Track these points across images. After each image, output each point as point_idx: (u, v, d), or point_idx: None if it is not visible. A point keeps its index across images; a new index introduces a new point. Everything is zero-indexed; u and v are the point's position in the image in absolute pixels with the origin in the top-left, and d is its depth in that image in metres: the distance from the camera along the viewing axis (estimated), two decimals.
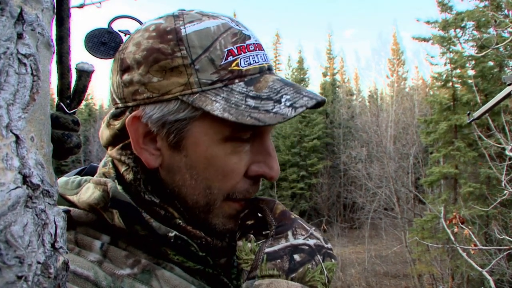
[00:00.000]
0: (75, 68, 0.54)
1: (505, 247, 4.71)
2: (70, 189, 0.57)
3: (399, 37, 34.31)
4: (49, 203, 0.37)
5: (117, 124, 0.56)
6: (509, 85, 2.10)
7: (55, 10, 0.46)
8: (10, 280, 0.30)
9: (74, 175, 0.64)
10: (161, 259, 0.54)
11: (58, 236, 0.37)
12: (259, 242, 0.57)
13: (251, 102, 0.52)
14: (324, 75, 27.76)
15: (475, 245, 4.35)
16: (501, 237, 4.68)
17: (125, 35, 0.58)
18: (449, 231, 4.69)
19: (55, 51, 0.49)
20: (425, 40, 14.05)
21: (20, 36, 0.35)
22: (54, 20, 0.47)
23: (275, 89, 0.54)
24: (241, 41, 0.54)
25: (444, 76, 13.55)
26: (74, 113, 0.54)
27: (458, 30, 13.00)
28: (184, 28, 0.52)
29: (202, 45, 0.52)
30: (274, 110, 0.51)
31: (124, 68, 0.54)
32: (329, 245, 0.60)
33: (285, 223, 0.59)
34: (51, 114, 0.47)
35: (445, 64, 13.73)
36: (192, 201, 0.56)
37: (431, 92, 15.94)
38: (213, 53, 0.52)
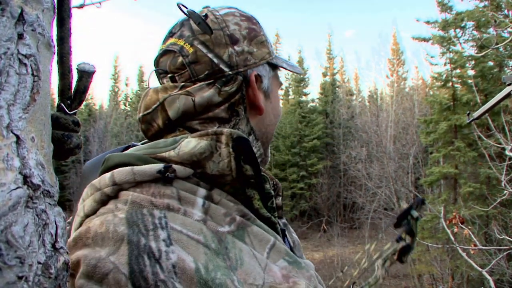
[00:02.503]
0: (76, 69, 0.54)
1: (505, 247, 4.71)
2: (164, 146, 0.59)
3: (399, 37, 34.32)
4: (49, 203, 0.37)
5: (232, 88, 0.67)
6: (509, 85, 2.09)
7: (56, 11, 0.46)
8: (11, 280, 0.30)
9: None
10: (247, 205, 0.60)
11: (58, 236, 0.37)
12: None
13: (289, 62, 0.80)
14: (324, 75, 27.74)
15: (475, 245, 4.35)
16: (501, 237, 4.68)
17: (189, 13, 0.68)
18: (449, 231, 4.69)
19: (56, 52, 0.49)
20: (425, 40, 14.05)
21: (20, 36, 0.35)
22: (55, 20, 0.47)
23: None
24: None
25: (444, 76, 13.54)
26: (74, 113, 0.54)
27: (458, 30, 13.00)
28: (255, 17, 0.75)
29: (263, 29, 0.75)
30: (297, 67, 0.82)
31: (234, 41, 0.68)
32: None
33: None
34: (52, 114, 0.47)
35: (445, 64, 13.73)
36: (270, 134, 0.77)
37: (431, 92, 15.93)
38: (267, 35, 0.75)
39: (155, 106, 0.66)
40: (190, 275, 0.45)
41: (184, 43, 0.66)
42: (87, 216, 0.54)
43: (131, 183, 0.53)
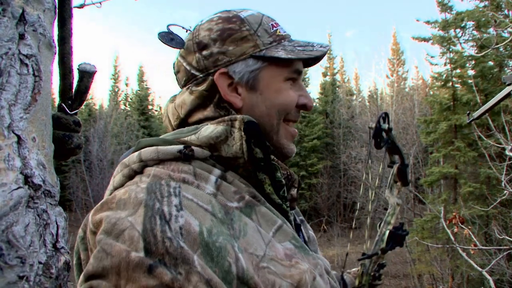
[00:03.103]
0: (77, 69, 0.54)
1: (505, 247, 4.72)
2: (186, 132, 0.68)
3: (399, 37, 34.31)
4: (50, 203, 0.37)
5: (202, 87, 0.73)
6: (508, 85, 2.09)
7: (57, 11, 0.46)
8: (12, 280, 0.30)
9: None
10: (258, 190, 0.66)
11: (59, 236, 0.37)
12: None
13: (299, 48, 0.77)
14: (324, 75, 27.70)
15: (475, 245, 4.35)
16: (501, 237, 4.68)
17: (183, 28, 0.78)
18: (449, 231, 4.69)
19: (57, 52, 0.49)
20: (425, 40, 14.02)
21: (22, 36, 0.35)
22: (56, 20, 0.47)
23: (305, 41, 0.80)
24: (272, 20, 0.80)
25: (444, 76, 13.52)
26: (75, 113, 0.54)
27: (458, 30, 12.98)
28: (241, 14, 0.76)
29: (256, 22, 0.76)
30: (314, 49, 0.77)
31: (202, 47, 0.73)
32: None
33: None
34: (53, 114, 0.47)
35: (445, 64, 13.71)
36: (269, 125, 0.75)
37: (431, 92, 15.91)
38: (264, 26, 0.76)
39: (164, 115, 0.80)
40: (194, 236, 0.51)
41: (176, 59, 0.79)
42: (115, 188, 0.64)
43: (155, 161, 0.62)
